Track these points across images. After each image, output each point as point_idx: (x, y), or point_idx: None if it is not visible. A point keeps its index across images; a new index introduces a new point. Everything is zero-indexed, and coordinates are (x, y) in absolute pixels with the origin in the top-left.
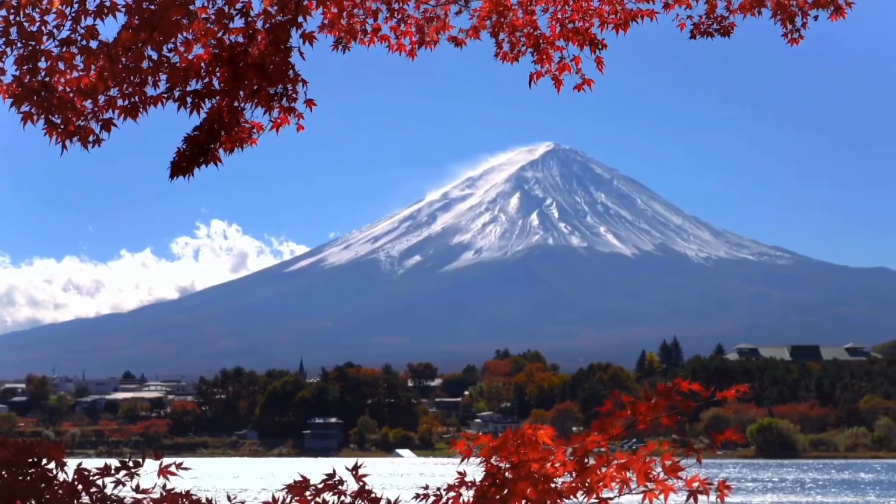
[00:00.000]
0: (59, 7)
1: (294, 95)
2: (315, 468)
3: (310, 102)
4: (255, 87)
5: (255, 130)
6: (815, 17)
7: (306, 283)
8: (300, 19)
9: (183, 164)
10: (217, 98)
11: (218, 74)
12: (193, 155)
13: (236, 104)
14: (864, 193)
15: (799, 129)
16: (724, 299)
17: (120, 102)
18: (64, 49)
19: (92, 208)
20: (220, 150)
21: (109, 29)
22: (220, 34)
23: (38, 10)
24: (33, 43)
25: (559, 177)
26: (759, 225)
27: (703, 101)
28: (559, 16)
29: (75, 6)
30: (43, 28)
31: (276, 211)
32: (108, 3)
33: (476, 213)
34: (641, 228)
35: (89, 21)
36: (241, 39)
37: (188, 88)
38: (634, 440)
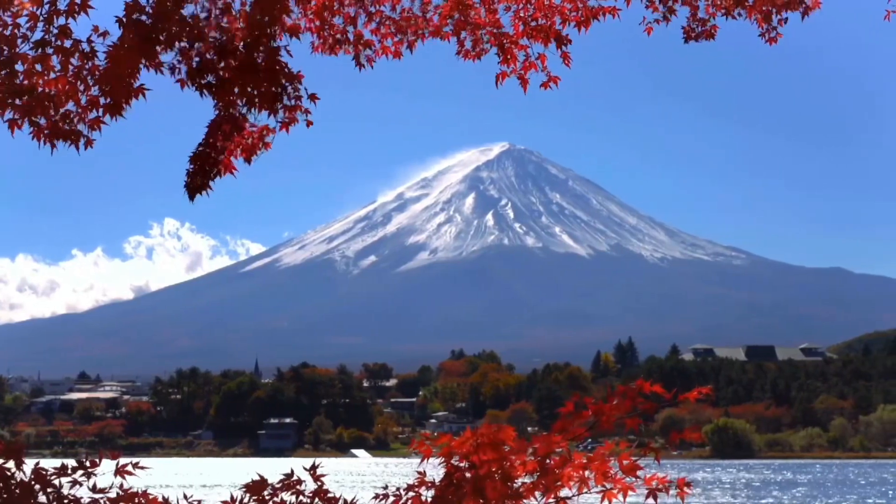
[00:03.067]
0: (31, 9)
1: (297, 93)
2: (270, 468)
3: (313, 97)
4: (254, 91)
5: (266, 134)
6: (786, 20)
7: (262, 284)
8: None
9: (197, 182)
10: (228, 88)
11: (221, 69)
12: (205, 171)
13: (236, 110)
14: (819, 194)
15: (754, 129)
16: (679, 299)
17: (102, 101)
18: (39, 51)
19: (42, 207)
20: (234, 159)
21: (82, 27)
22: (210, 33)
23: (9, 13)
24: (7, 47)
25: (514, 177)
26: (715, 225)
27: (658, 102)
28: (522, 14)
29: (46, 6)
30: (16, 31)
31: (229, 209)
32: (78, 1)
33: (431, 213)
34: (596, 229)
35: (62, 21)
36: (223, 38)
37: (202, 81)
38: (590, 440)
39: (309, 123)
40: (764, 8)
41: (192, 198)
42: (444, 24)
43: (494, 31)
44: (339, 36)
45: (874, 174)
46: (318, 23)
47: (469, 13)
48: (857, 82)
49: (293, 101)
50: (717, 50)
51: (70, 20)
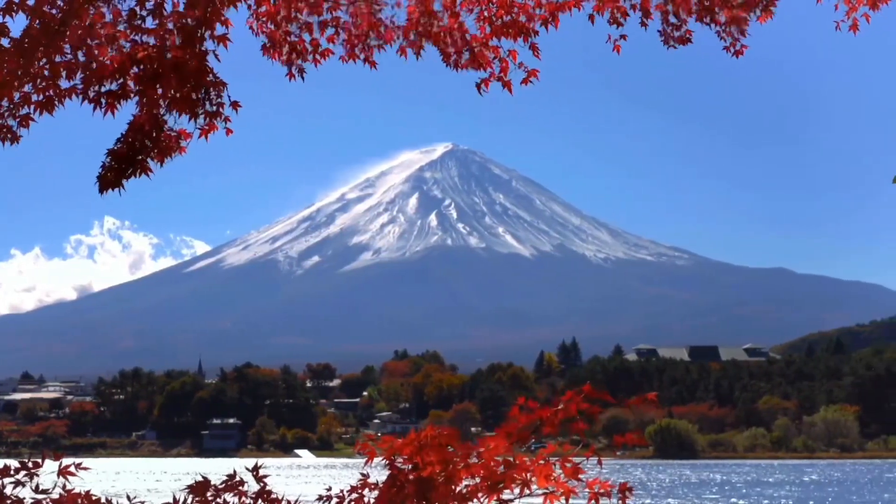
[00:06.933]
0: None
1: (219, 100)
2: (214, 468)
3: (235, 104)
4: (176, 94)
5: (182, 138)
6: (757, 19)
7: (205, 284)
8: (218, 24)
9: (110, 178)
10: (134, 98)
11: (132, 74)
12: (120, 168)
13: (159, 111)
14: (762, 194)
15: (697, 129)
16: (622, 300)
17: (35, 98)
18: None
19: None
20: (150, 161)
21: (20, 26)
22: (132, 35)
23: None
24: None
25: (458, 177)
26: (658, 225)
27: (601, 102)
28: (486, 14)
29: None
30: None
31: (168, 206)
32: (16, 0)
33: (374, 213)
34: (540, 229)
35: None
36: (153, 41)
37: (103, 89)
38: (534, 441)
39: (228, 132)
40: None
41: (102, 191)
42: (410, 30)
43: (460, 35)
44: (294, 42)
45: (817, 174)
46: (272, 26)
47: (434, 22)
48: (800, 83)
49: (215, 108)
50: (660, 51)
51: (7, 18)
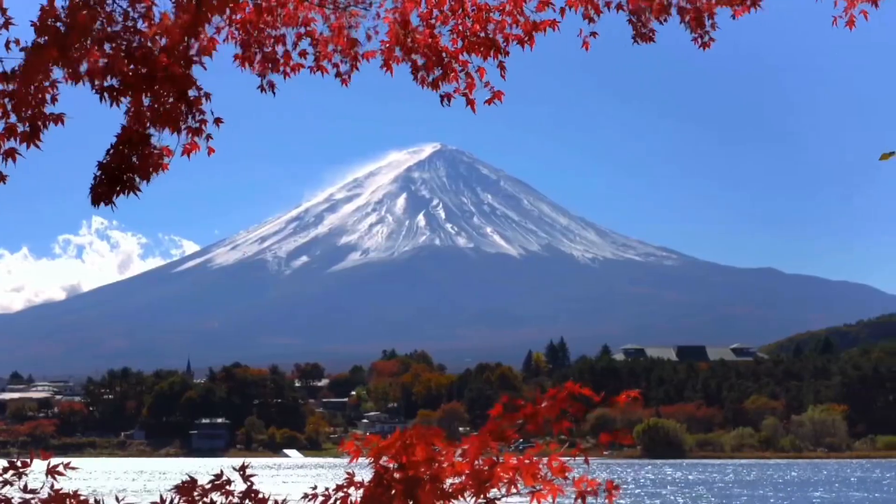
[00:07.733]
0: None
1: (201, 117)
2: (202, 468)
3: (218, 120)
4: (158, 107)
5: (164, 155)
6: (732, 16)
7: (194, 284)
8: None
9: (102, 193)
10: (134, 93)
11: (130, 70)
12: (111, 182)
13: (145, 125)
14: (750, 194)
15: (686, 128)
16: (610, 300)
17: (20, 128)
18: None
19: None
20: (137, 178)
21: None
22: (126, 35)
23: None
24: None
25: (446, 177)
26: (646, 225)
27: (590, 101)
28: (460, 28)
29: None
30: None
31: (156, 206)
32: (1, 21)
33: (363, 213)
34: (528, 229)
35: None
36: (142, 42)
37: (105, 84)
38: (521, 441)
39: (210, 151)
40: (699, 7)
41: (95, 204)
42: (392, 46)
43: (433, 47)
44: (263, 49)
45: (805, 174)
46: (243, 35)
47: (410, 34)
48: (788, 82)
49: (197, 124)
50: (647, 50)
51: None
